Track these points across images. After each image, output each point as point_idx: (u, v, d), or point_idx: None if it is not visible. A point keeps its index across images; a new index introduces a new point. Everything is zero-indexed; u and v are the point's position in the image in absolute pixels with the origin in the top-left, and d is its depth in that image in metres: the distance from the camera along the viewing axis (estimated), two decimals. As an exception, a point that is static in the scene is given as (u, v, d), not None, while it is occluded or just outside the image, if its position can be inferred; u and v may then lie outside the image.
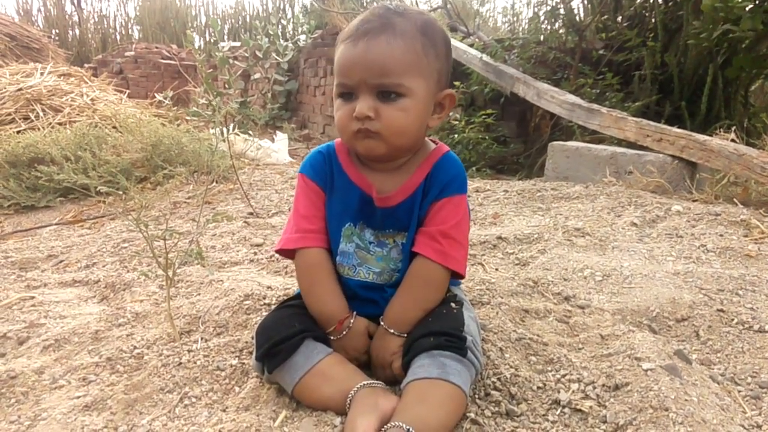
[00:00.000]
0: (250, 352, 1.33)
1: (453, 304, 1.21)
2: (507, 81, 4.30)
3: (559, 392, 1.13)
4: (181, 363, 1.29)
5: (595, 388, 1.13)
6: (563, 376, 1.18)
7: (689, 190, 2.58)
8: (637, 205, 2.30)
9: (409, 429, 0.95)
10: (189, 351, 1.34)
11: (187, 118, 5.80)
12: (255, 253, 2.08)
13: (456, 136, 4.62)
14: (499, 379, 1.17)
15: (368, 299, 1.24)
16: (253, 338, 1.37)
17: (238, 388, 1.22)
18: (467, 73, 5.14)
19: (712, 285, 1.56)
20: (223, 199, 3.20)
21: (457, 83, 4.85)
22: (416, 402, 1.02)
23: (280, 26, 10.27)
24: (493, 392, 1.14)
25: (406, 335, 1.17)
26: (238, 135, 4.24)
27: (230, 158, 2.98)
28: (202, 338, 1.40)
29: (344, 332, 1.19)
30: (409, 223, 1.21)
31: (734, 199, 2.37)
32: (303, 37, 9.23)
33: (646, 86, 4.41)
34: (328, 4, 10.22)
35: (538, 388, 1.16)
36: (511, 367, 1.20)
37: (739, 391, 1.19)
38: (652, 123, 2.92)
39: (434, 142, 1.26)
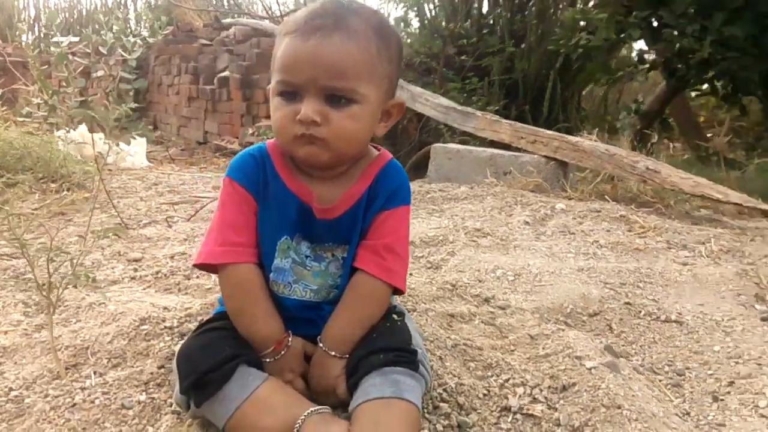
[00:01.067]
0: (159, 385, 1.17)
1: (395, 316, 1.14)
2: (378, 84, 4.31)
3: (506, 398, 1.10)
4: (75, 404, 1.10)
5: (541, 390, 1.11)
6: (506, 380, 1.15)
7: (564, 188, 2.73)
8: (523, 204, 2.38)
9: (370, 455, 0.87)
10: (82, 389, 1.14)
11: (19, 119, 5.18)
12: (135, 270, 1.86)
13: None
14: (444, 390, 1.11)
15: (304, 318, 1.13)
16: (159, 368, 1.21)
17: (152, 428, 1.05)
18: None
19: (615, 279, 1.63)
20: (79, 209, 2.85)
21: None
22: (372, 425, 0.94)
23: (125, 21, 9.53)
24: (441, 404, 1.08)
25: (347, 356, 1.08)
26: (101, 137, 3.83)
27: (95, 163, 2.66)
28: (95, 372, 1.21)
29: (282, 353, 1.07)
30: (351, 236, 1.12)
31: (605, 196, 2.54)
32: (146, 32, 8.69)
33: (495, 90, 4.67)
34: (178, -1, 9.70)
35: (484, 395, 1.12)
36: (454, 375, 1.15)
37: (660, 380, 1.24)
38: (526, 126, 3.06)
39: (376, 148, 1.18)
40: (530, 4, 4.96)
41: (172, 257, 1.94)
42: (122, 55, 8.34)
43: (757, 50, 3.53)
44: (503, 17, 4.87)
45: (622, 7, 3.57)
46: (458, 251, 1.81)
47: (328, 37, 0.98)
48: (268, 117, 5.94)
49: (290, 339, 1.09)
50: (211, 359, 1.00)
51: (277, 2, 8.78)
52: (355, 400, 0.99)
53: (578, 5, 4.31)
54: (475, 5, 5.19)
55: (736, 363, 1.25)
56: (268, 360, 1.07)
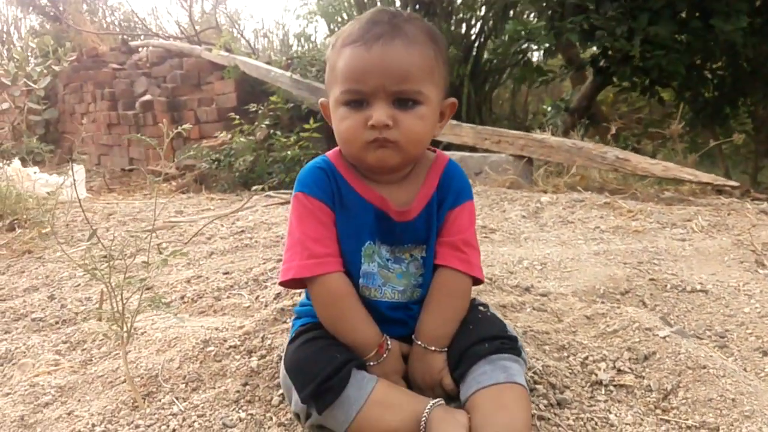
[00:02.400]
0: (250, 401, 1.16)
1: (481, 307, 1.19)
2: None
3: (594, 374, 1.17)
4: (174, 430, 1.07)
5: (624, 362, 1.19)
6: (585, 358, 1.22)
7: (536, 183, 2.87)
8: (509, 200, 2.49)
9: (506, 438, 0.92)
10: (173, 414, 1.12)
11: None
12: (152, 298, 1.80)
13: (276, 153, 4.51)
14: (534, 372, 1.17)
15: (396, 320, 1.16)
16: (244, 386, 1.20)
17: (263, 442, 1.05)
18: (269, 93, 5.09)
19: (631, 259, 1.75)
20: (47, 246, 2.70)
21: (274, 99, 4.76)
22: (496, 410, 0.98)
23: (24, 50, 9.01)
24: (536, 386, 1.14)
25: (446, 349, 1.12)
26: (35, 171, 3.64)
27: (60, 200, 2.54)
28: (176, 398, 1.18)
29: (384, 356, 1.10)
30: (428, 235, 1.16)
31: (578, 187, 2.70)
32: (33, 60, 8.36)
33: None
34: (77, 23, 9.32)
35: (570, 373, 1.19)
36: (537, 359, 1.21)
37: (707, 344, 1.35)
38: (488, 127, 3.19)
39: (431, 149, 1.23)
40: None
41: (188, 281, 1.89)
42: (28, 85, 7.91)
43: (680, 45, 3.86)
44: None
45: (555, 13, 3.79)
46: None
47: (390, 43, 1.03)
48: (202, 138, 5.81)
49: (389, 341, 1.12)
50: (326, 366, 1.02)
51: (191, 21, 8.51)
52: (467, 389, 1.03)
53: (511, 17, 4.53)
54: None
55: (770, 320, 1.39)
56: (372, 363, 1.09)
